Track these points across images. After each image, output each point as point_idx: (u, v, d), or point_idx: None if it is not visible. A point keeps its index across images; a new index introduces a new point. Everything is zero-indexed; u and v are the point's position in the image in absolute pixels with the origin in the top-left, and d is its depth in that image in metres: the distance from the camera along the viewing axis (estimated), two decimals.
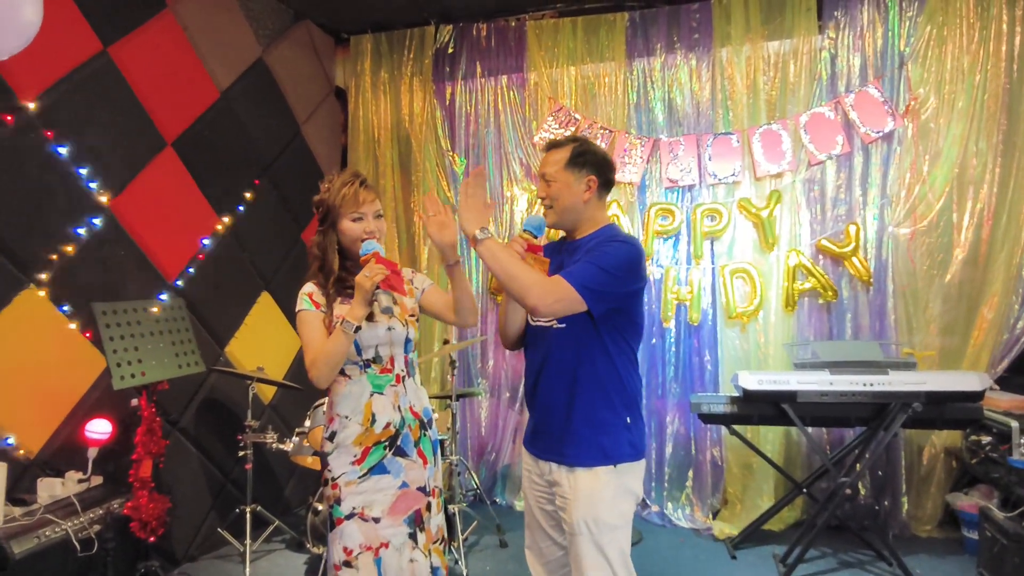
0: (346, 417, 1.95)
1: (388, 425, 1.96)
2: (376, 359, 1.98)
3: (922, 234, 3.92)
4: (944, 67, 3.90)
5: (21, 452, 2.74)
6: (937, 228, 3.91)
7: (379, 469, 1.94)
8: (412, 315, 2.07)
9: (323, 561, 2.05)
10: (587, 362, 1.83)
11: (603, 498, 1.78)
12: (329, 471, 1.95)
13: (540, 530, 1.98)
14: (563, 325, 1.85)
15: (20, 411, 2.75)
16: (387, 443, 1.96)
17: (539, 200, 1.97)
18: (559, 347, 1.86)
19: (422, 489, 2.01)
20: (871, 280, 3.98)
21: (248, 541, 3.42)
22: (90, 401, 3.04)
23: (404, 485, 1.97)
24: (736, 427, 3.68)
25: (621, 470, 1.81)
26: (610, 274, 1.76)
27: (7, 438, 2.68)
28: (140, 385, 2.82)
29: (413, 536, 1.97)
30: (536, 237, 1.88)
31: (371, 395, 1.96)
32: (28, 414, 2.79)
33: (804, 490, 3.66)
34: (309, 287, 2.00)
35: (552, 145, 1.97)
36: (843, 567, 3.41)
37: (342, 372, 1.97)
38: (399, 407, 1.98)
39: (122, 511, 2.80)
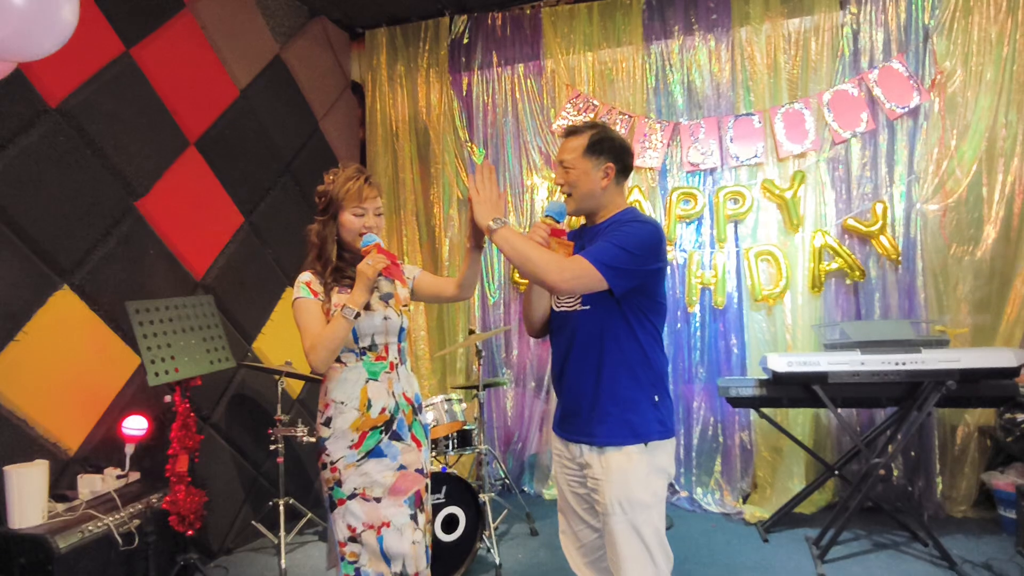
0: (342, 403, 2.01)
1: (383, 410, 2.02)
2: (372, 347, 2.04)
3: (951, 210, 3.86)
4: (971, 39, 3.82)
5: (62, 449, 2.80)
6: (967, 203, 3.84)
7: (376, 453, 2.01)
8: (405, 305, 2.15)
9: (328, 542, 2.11)
10: (612, 342, 1.84)
11: (635, 477, 1.79)
12: (327, 455, 2.01)
13: (574, 514, 1.99)
14: (588, 307, 1.86)
15: (58, 409, 2.81)
16: (383, 428, 2.02)
17: (558, 187, 1.97)
18: (584, 328, 1.87)
19: (419, 471, 2.08)
20: (899, 259, 3.92)
21: (282, 533, 3.46)
22: (125, 398, 3.09)
23: (402, 468, 2.04)
24: (765, 410, 3.65)
25: (651, 448, 1.82)
26: (629, 252, 1.75)
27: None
28: (174, 381, 2.86)
29: (414, 517, 2.04)
30: (558, 222, 1.89)
31: (366, 381, 2.02)
32: (66, 412, 2.85)
33: (836, 472, 3.63)
34: (306, 276, 2.04)
35: (570, 131, 1.96)
36: (878, 548, 3.38)
37: (338, 359, 2.02)
38: (393, 393, 2.05)
39: (160, 505, 2.84)
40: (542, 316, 2.03)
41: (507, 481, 4.31)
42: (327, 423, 2.02)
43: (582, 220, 2.05)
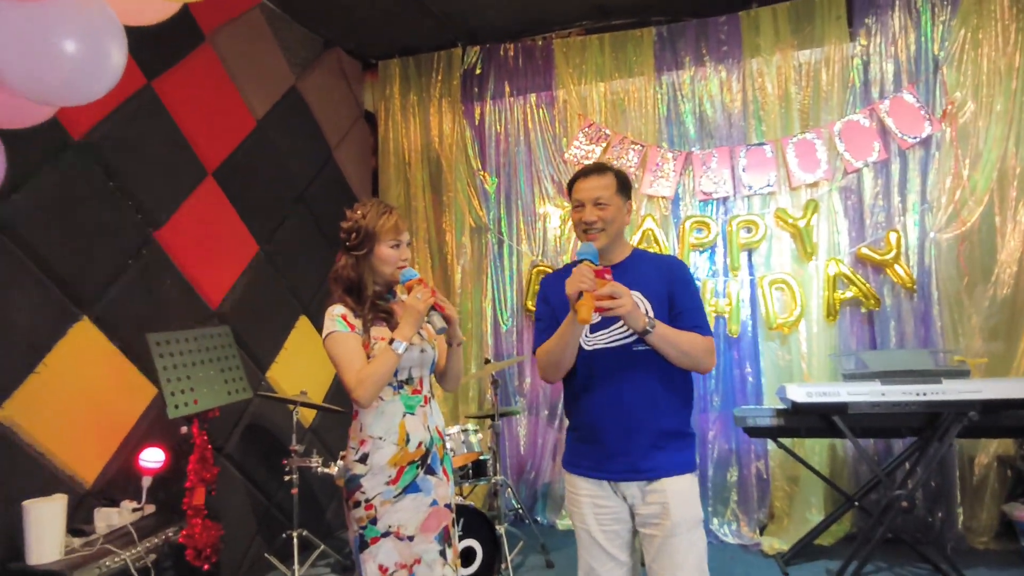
0: (380, 438, 1.98)
1: (420, 444, 2.00)
2: (408, 380, 2.03)
3: (965, 239, 3.87)
4: (980, 70, 3.86)
5: (78, 482, 2.77)
6: (980, 232, 3.85)
7: (413, 488, 1.99)
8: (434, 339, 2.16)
9: None
10: (669, 381, 1.92)
11: (692, 500, 1.93)
12: (362, 492, 1.97)
13: (602, 552, 1.96)
14: (648, 347, 1.88)
15: (76, 441, 2.78)
16: (419, 462, 2.00)
17: (587, 224, 1.93)
18: (644, 369, 1.90)
19: (448, 506, 2.07)
20: (915, 287, 3.92)
21: (296, 566, 3.41)
22: (140, 430, 3.07)
23: (434, 503, 2.02)
24: (782, 439, 3.62)
25: (695, 476, 1.98)
26: (703, 305, 2.02)
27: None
28: (192, 413, 2.84)
29: (443, 553, 2.02)
30: (596, 264, 1.85)
31: (403, 415, 2.00)
32: (84, 444, 2.82)
33: (856, 503, 3.59)
34: (340, 309, 2.02)
35: (595, 170, 1.98)
36: None
37: None
38: (428, 427, 2.04)
39: (177, 539, 2.81)
40: (571, 361, 1.96)
41: (520, 511, 4.26)
42: (363, 459, 1.98)
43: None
